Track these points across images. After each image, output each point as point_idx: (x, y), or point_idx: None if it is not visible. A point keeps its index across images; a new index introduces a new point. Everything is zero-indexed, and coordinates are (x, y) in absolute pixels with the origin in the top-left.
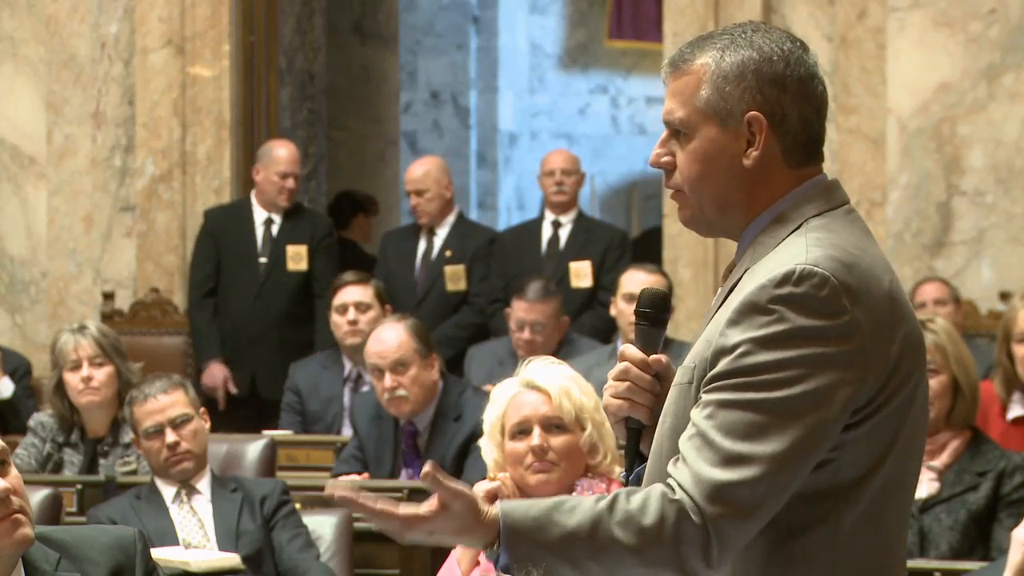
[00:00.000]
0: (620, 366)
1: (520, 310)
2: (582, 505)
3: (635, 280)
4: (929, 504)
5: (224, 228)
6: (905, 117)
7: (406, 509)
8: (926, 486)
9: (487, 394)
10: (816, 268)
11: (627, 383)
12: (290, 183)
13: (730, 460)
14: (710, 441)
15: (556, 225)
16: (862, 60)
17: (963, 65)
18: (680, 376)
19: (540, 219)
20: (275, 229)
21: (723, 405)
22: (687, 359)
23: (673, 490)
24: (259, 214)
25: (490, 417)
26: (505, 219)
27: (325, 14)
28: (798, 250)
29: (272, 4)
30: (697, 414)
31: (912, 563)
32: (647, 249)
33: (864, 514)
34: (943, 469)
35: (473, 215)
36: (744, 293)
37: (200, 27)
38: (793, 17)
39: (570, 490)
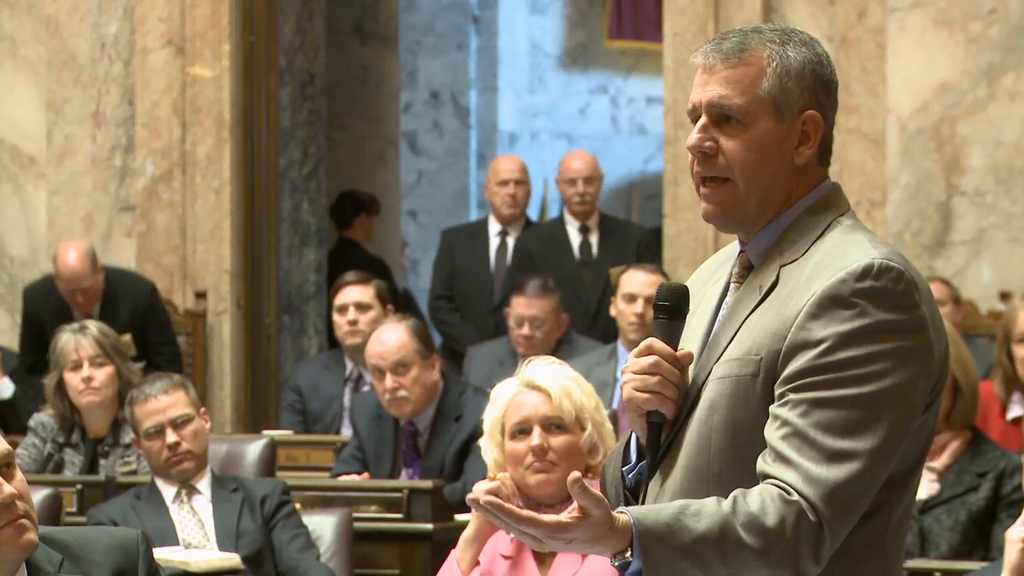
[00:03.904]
0: (648, 359)
1: (519, 306)
2: (706, 509)
3: (635, 280)
4: (929, 505)
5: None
6: (905, 117)
7: (550, 518)
8: (926, 487)
9: (487, 394)
10: (892, 263)
11: (658, 377)
12: (77, 299)
13: (834, 457)
14: (811, 439)
15: (585, 231)
16: (862, 60)
17: (963, 65)
18: (735, 368)
19: (562, 223)
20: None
21: (817, 403)
22: (738, 351)
23: (788, 492)
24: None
25: (490, 417)
26: None
27: (325, 14)
28: (863, 246)
29: (272, 4)
30: (788, 412)
31: (912, 563)
32: (647, 249)
33: (906, 506)
34: (943, 470)
35: (473, 215)
36: (821, 286)
37: (200, 27)
38: (793, 17)
39: None
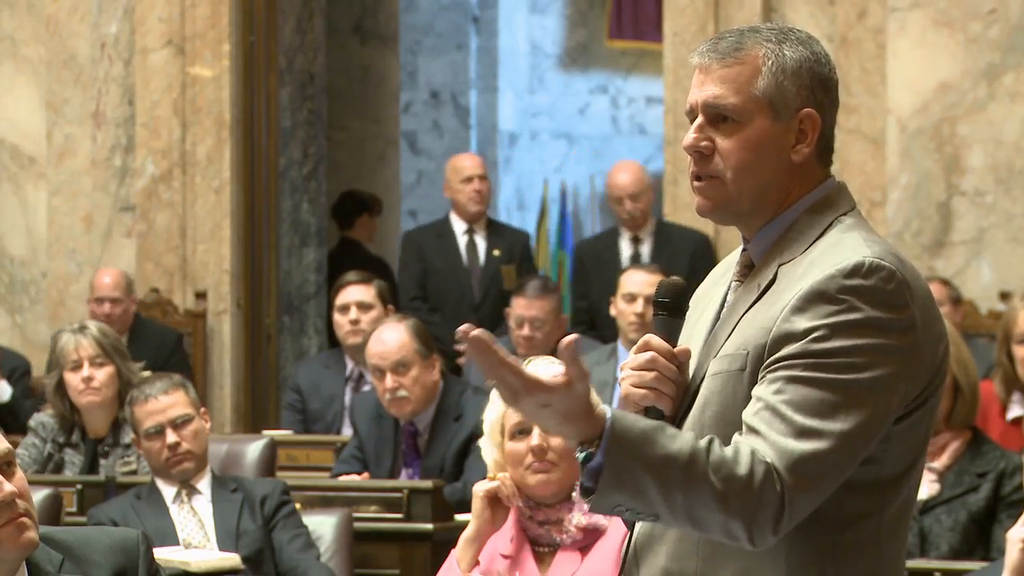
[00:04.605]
0: (645, 355)
1: (519, 307)
2: (683, 436)
3: (635, 280)
4: (929, 505)
5: None
6: (905, 117)
7: (532, 373)
8: (927, 487)
9: (487, 394)
10: (883, 262)
11: (655, 373)
12: (104, 311)
13: (802, 433)
14: (781, 414)
15: (636, 241)
16: (862, 60)
17: (963, 65)
18: (727, 364)
19: (615, 234)
20: None
21: (792, 381)
22: (731, 347)
23: (763, 455)
24: None
25: (490, 417)
26: (505, 219)
27: (325, 14)
28: (856, 244)
29: (272, 4)
30: (763, 390)
31: (912, 563)
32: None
33: (901, 508)
34: (943, 470)
35: None
36: (809, 283)
37: (200, 27)
38: (793, 17)
39: (570, 490)
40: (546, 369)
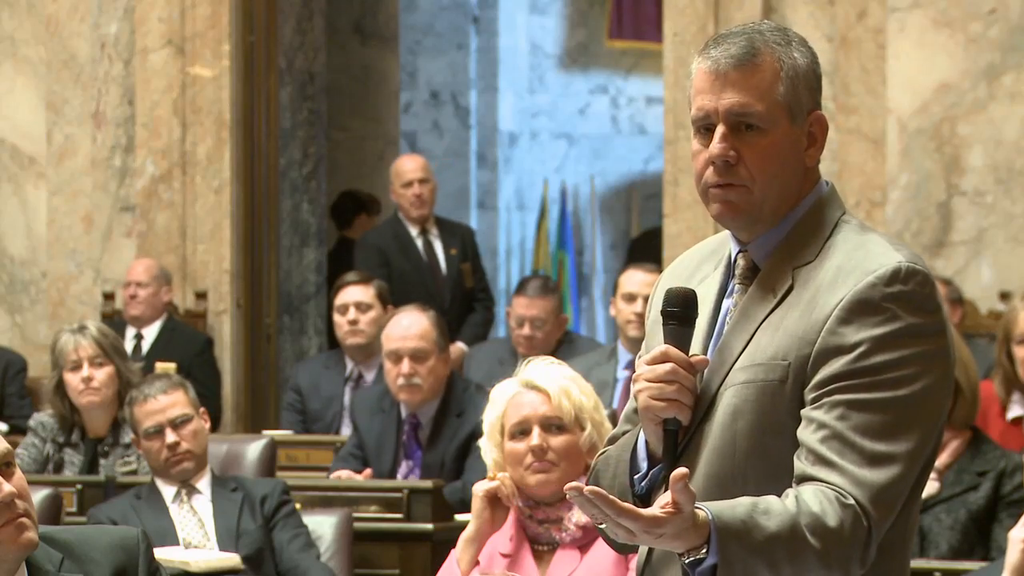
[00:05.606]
0: (665, 367)
1: (520, 306)
2: (773, 507)
3: (634, 280)
4: (929, 504)
5: None
6: (905, 117)
7: (648, 512)
8: (926, 486)
9: (489, 393)
10: (917, 266)
11: (676, 385)
12: (133, 295)
13: (875, 460)
14: (851, 442)
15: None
16: (862, 60)
17: (963, 65)
18: (762, 373)
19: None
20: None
21: (854, 406)
22: (762, 356)
23: (843, 495)
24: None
25: (489, 417)
26: (505, 219)
27: (325, 14)
28: (884, 248)
29: (272, 4)
30: (824, 415)
31: (912, 563)
32: (647, 249)
33: (918, 504)
34: (943, 469)
35: (473, 215)
36: (849, 291)
37: (200, 27)
38: (793, 17)
39: None
40: (544, 370)
